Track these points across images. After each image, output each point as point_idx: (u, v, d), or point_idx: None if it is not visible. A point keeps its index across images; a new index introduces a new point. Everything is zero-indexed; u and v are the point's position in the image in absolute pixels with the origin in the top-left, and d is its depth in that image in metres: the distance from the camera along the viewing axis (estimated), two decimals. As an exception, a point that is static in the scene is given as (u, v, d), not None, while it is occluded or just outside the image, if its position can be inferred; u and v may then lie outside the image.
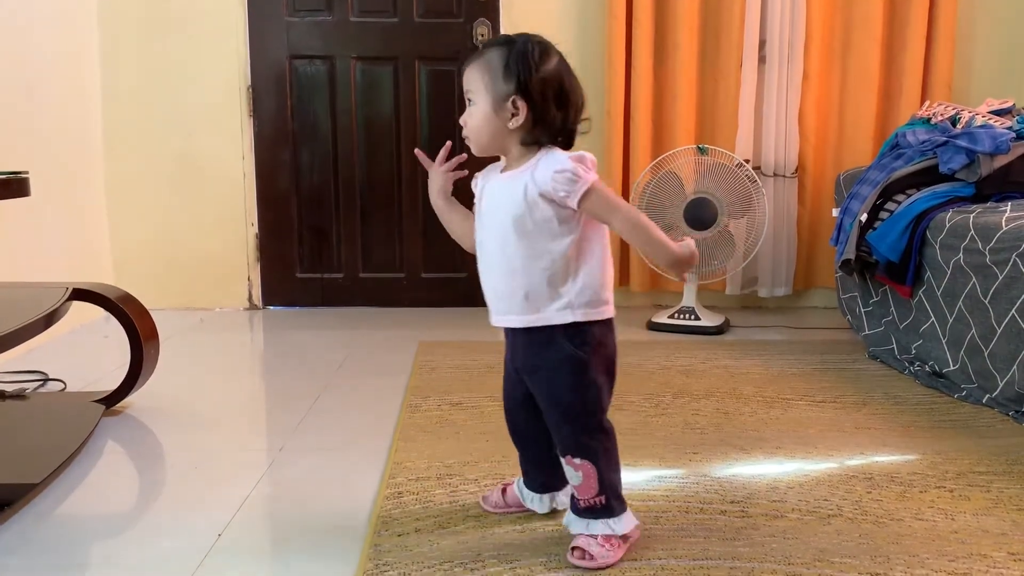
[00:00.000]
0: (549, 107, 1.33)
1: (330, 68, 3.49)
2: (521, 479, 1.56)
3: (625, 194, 3.44)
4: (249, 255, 3.59)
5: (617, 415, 2.13)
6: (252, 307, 3.62)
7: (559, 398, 1.37)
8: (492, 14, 3.48)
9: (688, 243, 1.33)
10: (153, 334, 2.19)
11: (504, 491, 1.57)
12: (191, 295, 3.57)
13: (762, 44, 3.39)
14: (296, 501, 1.64)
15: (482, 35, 3.47)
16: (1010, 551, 1.42)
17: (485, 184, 1.41)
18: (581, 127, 1.39)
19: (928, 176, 2.65)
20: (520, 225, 1.32)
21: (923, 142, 2.73)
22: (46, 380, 2.43)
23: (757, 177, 3.20)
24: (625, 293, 3.61)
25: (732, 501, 1.62)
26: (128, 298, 2.17)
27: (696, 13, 3.38)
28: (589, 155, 1.34)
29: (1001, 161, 2.51)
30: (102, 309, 2.15)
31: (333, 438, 1.99)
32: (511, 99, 1.32)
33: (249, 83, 3.48)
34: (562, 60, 1.37)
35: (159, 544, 1.47)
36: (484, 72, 1.33)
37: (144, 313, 2.18)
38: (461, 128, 1.38)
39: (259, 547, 1.48)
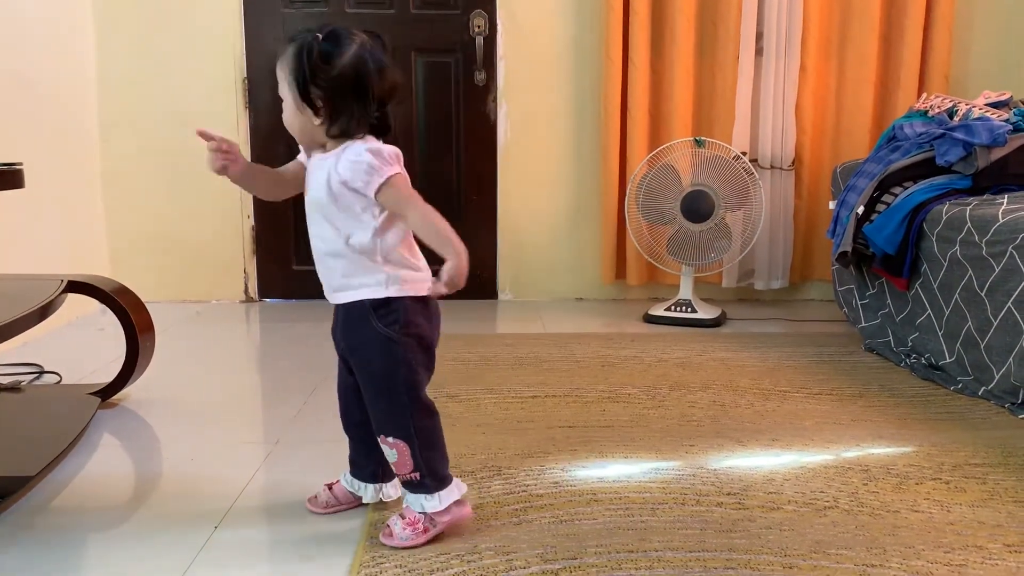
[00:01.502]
0: (346, 100, 1.33)
1: None
2: (348, 471, 1.56)
3: (622, 185, 3.44)
4: (245, 247, 3.58)
5: (614, 408, 2.14)
6: (248, 299, 3.61)
7: (372, 376, 1.40)
8: (489, 5, 3.47)
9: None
10: (149, 326, 2.18)
11: (331, 488, 1.57)
12: (187, 287, 3.56)
13: (759, 36, 3.39)
14: (292, 493, 1.63)
15: (479, 26, 3.45)
16: (1006, 542, 1.42)
17: (308, 163, 1.43)
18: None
19: (925, 168, 2.65)
20: (327, 208, 1.36)
21: (920, 134, 2.73)
22: (41, 372, 2.43)
23: (754, 169, 3.20)
24: (622, 286, 3.61)
25: (729, 493, 1.62)
26: (124, 290, 2.17)
27: (693, 5, 3.36)
28: (389, 148, 1.35)
29: (998, 154, 2.51)
30: (98, 301, 2.14)
31: (329, 431, 1.98)
32: (310, 96, 1.32)
33: (245, 75, 3.47)
34: (360, 48, 1.33)
35: (156, 536, 1.47)
36: (283, 70, 1.34)
37: (140, 305, 2.17)
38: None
39: (256, 539, 1.48)
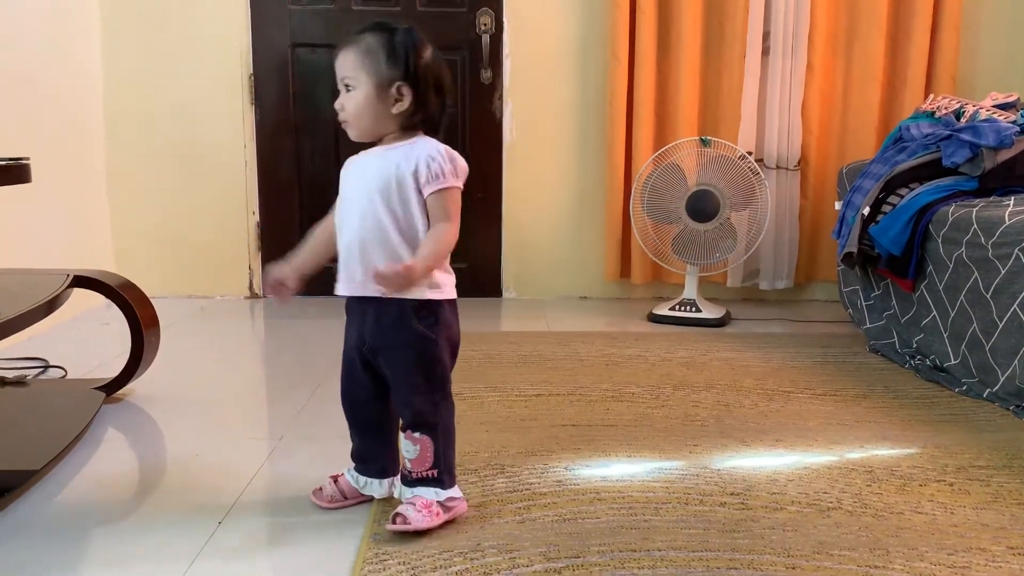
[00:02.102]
0: (430, 94, 1.40)
1: (332, 56, 3.46)
2: (352, 468, 1.56)
3: (627, 184, 3.43)
4: (250, 244, 3.59)
5: (617, 407, 2.14)
6: (253, 296, 3.62)
7: (408, 374, 1.42)
8: (495, 3, 3.47)
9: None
10: (154, 321, 2.19)
11: (336, 482, 1.57)
12: (192, 283, 3.57)
13: (766, 35, 3.38)
14: (296, 489, 1.64)
15: (485, 24, 3.45)
16: (1009, 545, 1.42)
17: (348, 169, 1.47)
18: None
19: (931, 170, 2.64)
20: (386, 198, 1.38)
21: (927, 135, 2.72)
22: (46, 367, 2.43)
23: (760, 169, 3.19)
24: (626, 285, 3.61)
25: (732, 493, 1.62)
26: (129, 285, 2.17)
27: (700, 4, 3.36)
28: (463, 163, 1.42)
29: (1005, 155, 2.50)
30: (103, 297, 2.14)
31: (333, 428, 1.98)
32: (396, 85, 1.37)
33: (251, 71, 3.47)
34: (436, 51, 1.43)
35: (160, 530, 1.47)
36: (365, 58, 1.38)
37: (145, 300, 2.18)
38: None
39: (260, 535, 1.48)
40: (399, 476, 1.52)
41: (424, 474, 1.43)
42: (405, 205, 1.38)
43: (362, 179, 1.42)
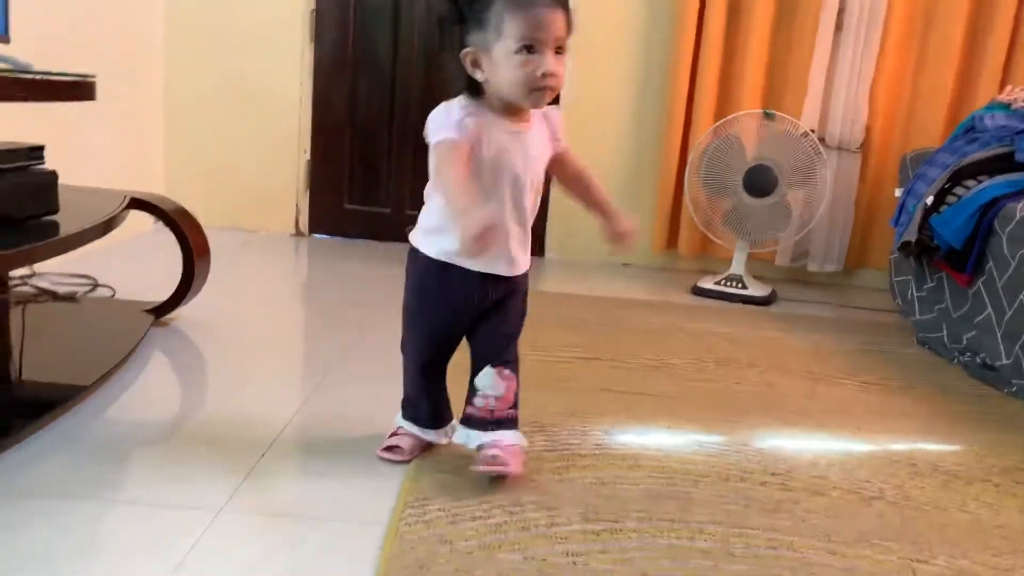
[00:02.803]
0: None
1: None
2: (425, 423, 1.53)
3: (683, 153, 3.37)
4: (299, 182, 3.59)
5: (657, 376, 2.12)
6: (298, 233, 3.63)
7: (520, 318, 1.51)
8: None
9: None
10: (205, 249, 2.20)
11: (405, 437, 1.54)
12: (238, 216, 3.59)
13: (841, 10, 3.27)
14: (338, 429, 1.65)
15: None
16: (1056, 552, 1.39)
17: (490, 136, 1.33)
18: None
19: (1003, 163, 2.55)
20: (541, 174, 1.42)
21: (1001, 127, 2.63)
22: (96, 286, 2.46)
23: (821, 148, 3.12)
24: (672, 255, 3.57)
25: (773, 473, 1.60)
26: (183, 212, 2.18)
27: (776, -27, 3.26)
28: None
29: (1082, 155, 2.42)
30: (150, 222, 2.16)
31: (375, 370, 2.00)
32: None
33: (313, 7, 3.44)
34: None
35: (202, 458, 1.49)
36: (571, 24, 1.31)
37: (198, 228, 2.19)
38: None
39: (301, 470, 1.50)
40: (461, 420, 1.49)
41: (506, 414, 1.44)
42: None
43: (532, 159, 1.39)
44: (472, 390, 1.46)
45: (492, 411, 1.43)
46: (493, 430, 1.43)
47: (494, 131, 1.33)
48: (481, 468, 1.41)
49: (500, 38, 1.26)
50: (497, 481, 1.44)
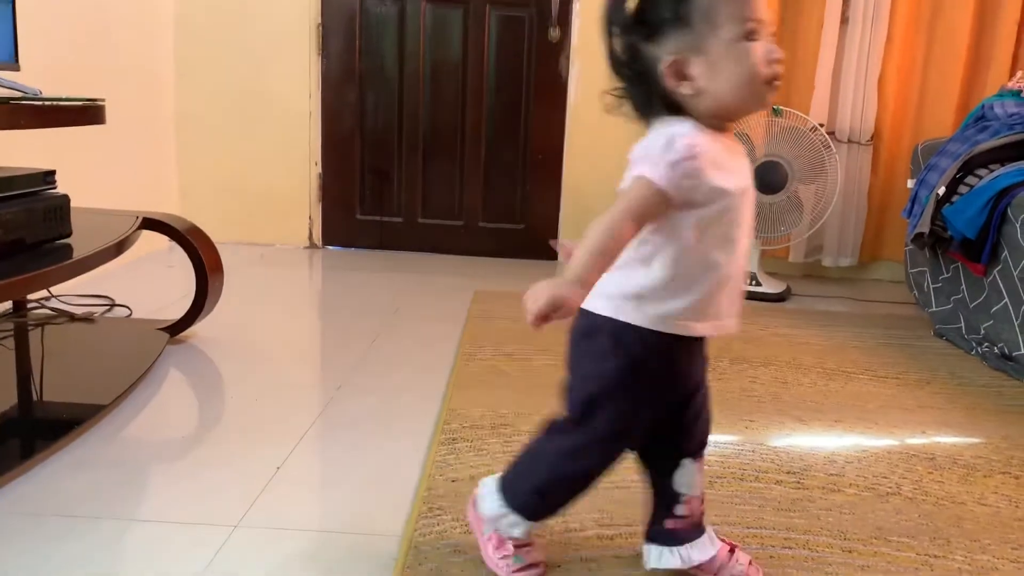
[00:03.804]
0: None
1: (400, 9, 3.45)
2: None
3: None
4: (311, 194, 3.61)
5: (673, 377, 2.12)
6: (312, 246, 3.66)
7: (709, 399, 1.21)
8: (567, -40, 3.40)
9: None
10: (218, 266, 2.22)
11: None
12: (252, 230, 3.62)
13: (846, 3, 3.26)
14: (353, 440, 1.66)
15: (556, -18, 3.38)
16: (1077, 543, 1.38)
17: (728, 167, 1.03)
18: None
19: (1014, 151, 2.54)
20: None
21: (1011, 115, 2.61)
22: (112, 306, 2.49)
23: (831, 143, 3.10)
24: (684, 254, 3.56)
25: (788, 472, 1.59)
26: (195, 230, 2.20)
27: (779, -32, 3.25)
28: None
29: (1095, 139, 2.39)
30: (166, 240, 2.18)
31: (389, 381, 2.01)
32: None
33: (319, 21, 3.47)
34: None
35: (220, 472, 1.50)
36: None
37: (210, 245, 2.21)
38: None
39: (317, 483, 1.51)
40: (654, 539, 1.21)
41: (698, 519, 1.20)
42: None
43: (748, 193, 1.07)
44: (672, 496, 1.17)
45: (683, 519, 1.17)
46: (678, 544, 1.18)
47: (726, 159, 1.03)
48: None
49: (714, 29, 0.99)
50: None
